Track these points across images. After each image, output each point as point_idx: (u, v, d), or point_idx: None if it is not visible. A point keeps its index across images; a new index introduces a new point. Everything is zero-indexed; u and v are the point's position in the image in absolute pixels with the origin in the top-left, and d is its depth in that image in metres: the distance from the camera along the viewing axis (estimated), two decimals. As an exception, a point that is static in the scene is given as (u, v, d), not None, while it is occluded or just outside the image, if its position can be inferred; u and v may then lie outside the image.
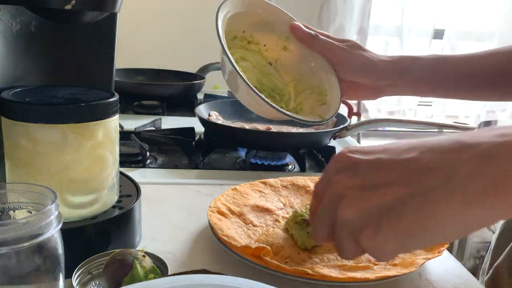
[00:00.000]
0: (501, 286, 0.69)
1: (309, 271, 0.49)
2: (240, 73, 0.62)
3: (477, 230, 0.36)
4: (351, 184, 0.39)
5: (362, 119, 2.23)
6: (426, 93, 0.76)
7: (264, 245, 0.52)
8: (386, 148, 0.40)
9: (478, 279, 0.58)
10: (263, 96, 0.63)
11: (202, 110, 1.02)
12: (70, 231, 0.47)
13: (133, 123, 1.09)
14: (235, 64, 0.63)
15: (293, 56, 0.74)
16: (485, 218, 0.34)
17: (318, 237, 0.43)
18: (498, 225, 0.79)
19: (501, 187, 0.33)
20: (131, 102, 1.32)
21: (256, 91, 0.62)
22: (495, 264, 0.72)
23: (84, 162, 0.50)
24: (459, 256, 2.06)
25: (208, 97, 1.41)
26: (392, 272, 0.50)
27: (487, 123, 0.85)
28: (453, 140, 0.37)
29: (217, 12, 0.65)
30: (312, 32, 0.72)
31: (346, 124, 0.94)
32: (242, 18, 0.71)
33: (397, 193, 0.36)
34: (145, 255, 0.47)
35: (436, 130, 1.95)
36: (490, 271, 0.73)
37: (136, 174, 0.82)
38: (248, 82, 0.62)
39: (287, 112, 0.64)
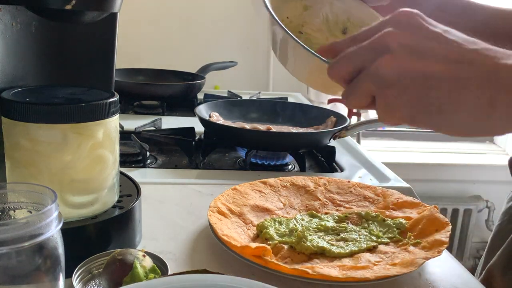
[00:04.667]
0: (494, 287, 0.69)
1: (309, 271, 0.49)
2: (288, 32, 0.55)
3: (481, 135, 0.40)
4: (405, 41, 0.38)
5: (362, 119, 2.23)
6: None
7: (264, 245, 0.52)
8: (451, 30, 0.40)
9: None
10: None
11: (202, 110, 1.02)
12: (70, 231, 0.47)
13: (133, 123, 1.08)
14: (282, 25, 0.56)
15: None
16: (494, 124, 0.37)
17: (335, 74, 0.41)
18: (494, 227, 0.79)
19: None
20: (131, 102, 1.32)
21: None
22: (488, 265, 0.72)
23: (84, 162, 0.50)
24: (459, 256, 2.06)
25: (208, 97, 1.41)
26: (392, 272, 0.50)
27: None
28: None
29: None
30: None
31: (346, 124, 0.93)
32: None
33: (439, 68, 0.37)
34: (145, 255, 0.47)
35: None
36: (483, 272, 0.73)
37: (136, 174, 0.82)
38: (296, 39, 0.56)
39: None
